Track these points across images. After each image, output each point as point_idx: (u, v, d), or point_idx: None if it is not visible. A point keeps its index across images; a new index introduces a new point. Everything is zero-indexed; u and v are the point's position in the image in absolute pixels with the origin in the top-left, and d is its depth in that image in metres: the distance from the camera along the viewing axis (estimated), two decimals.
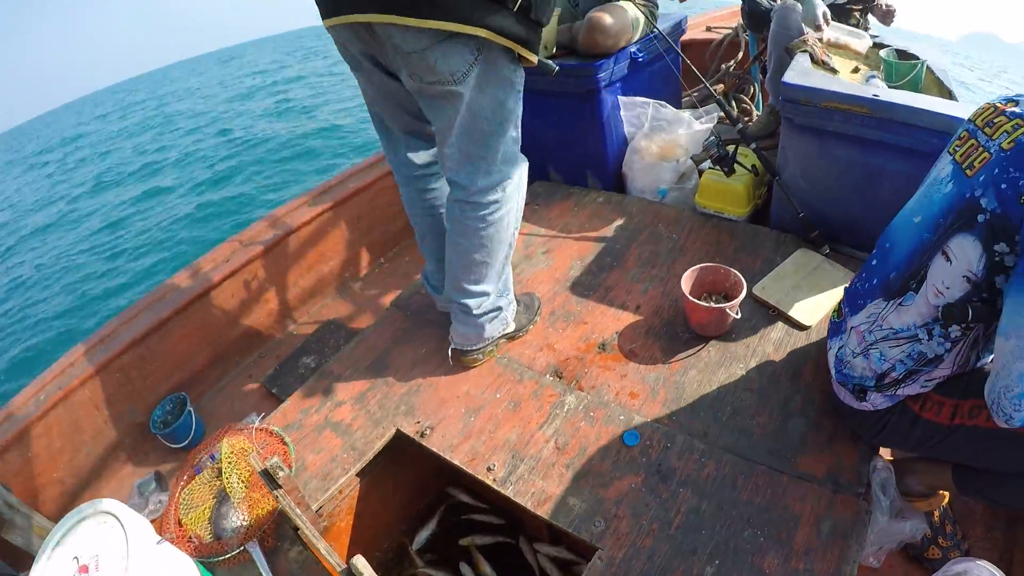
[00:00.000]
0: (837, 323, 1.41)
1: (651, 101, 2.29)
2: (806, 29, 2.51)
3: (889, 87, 2.15)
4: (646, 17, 2.31)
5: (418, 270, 1.99)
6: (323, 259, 2.41)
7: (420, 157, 1.64)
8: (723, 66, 3.54)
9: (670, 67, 2.55)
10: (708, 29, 4.11)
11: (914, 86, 2.16)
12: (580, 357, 1.71)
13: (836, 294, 1.80)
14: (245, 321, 2.25)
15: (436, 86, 1.31)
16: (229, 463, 1.51)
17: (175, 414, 2.00)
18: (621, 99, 2.29)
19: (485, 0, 1.21)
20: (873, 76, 2.18)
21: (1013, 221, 0.98)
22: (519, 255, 2.13)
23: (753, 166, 2.08)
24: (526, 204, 2.38)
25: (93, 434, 1.96)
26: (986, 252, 1.02)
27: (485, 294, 1.63)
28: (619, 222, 2.20)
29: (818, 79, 1.86)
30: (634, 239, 2.09)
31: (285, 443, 1.59)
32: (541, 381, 1.65)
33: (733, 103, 3.40)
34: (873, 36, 2.61)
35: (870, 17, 2.87)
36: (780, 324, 1.74)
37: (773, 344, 1.67)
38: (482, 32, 1.23)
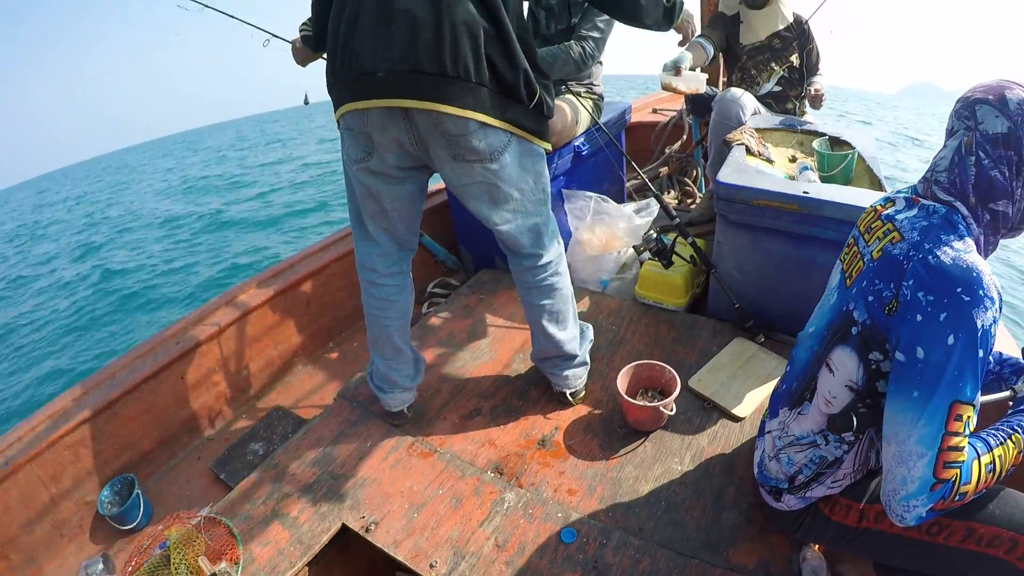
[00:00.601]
0: (762, 423, 1.48)
1: (593, 195, 2.40)
2: (743, 117, 2.68)
3: (822, 177, 2.30)
4: (590, 113, 2.44)
5: (367, 355, 2.04)
6: (273, 343, 2.43)
7: (387, 264, 1.71)
8: (667, 149, 3.69)
9: (615, 155, 2.67)
10: (654, 111, 4.27)
11: (845, 176, 2.31)
12: (520, 453, 1.75)
13: (770, 385, 1.88)
14: (194, 403, 2.24)
15: (477, 165, 1.49)
16: (178, 554, 1.50)
17: (124, 495, 1.97)
18: (564, 192, 2.40)
19: (509, 98, 1.45)
20: (806, 168, 2.32)
21: (881, 331, 1.06)
22: (464, 347, 2.19)
23: (692, 256, 2.19)
24: (471, 293, 2.45)
25: (40, 511, 1.92)
26: (862, 362, 1.10)
27: (574, 336, 1.84)
28: None
29: (751, 177, 1.97)
30: None
31: (233, 534, 1.58)
32: (482, 477, 1.68)
33: (676, 186, 3.55)
34: (810, 123, 2.78)
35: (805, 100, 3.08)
36: (715, 416, 1.81)
37: (708, 437, 1.74)
38: (506, 125, 1.47)
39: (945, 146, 1.12)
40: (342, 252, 2.60)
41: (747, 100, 2.73)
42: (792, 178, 2.29)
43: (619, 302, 2.31)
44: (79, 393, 2.08)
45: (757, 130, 2.55)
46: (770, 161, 2.42)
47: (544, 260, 1.70)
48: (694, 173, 3.57)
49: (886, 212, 1.16)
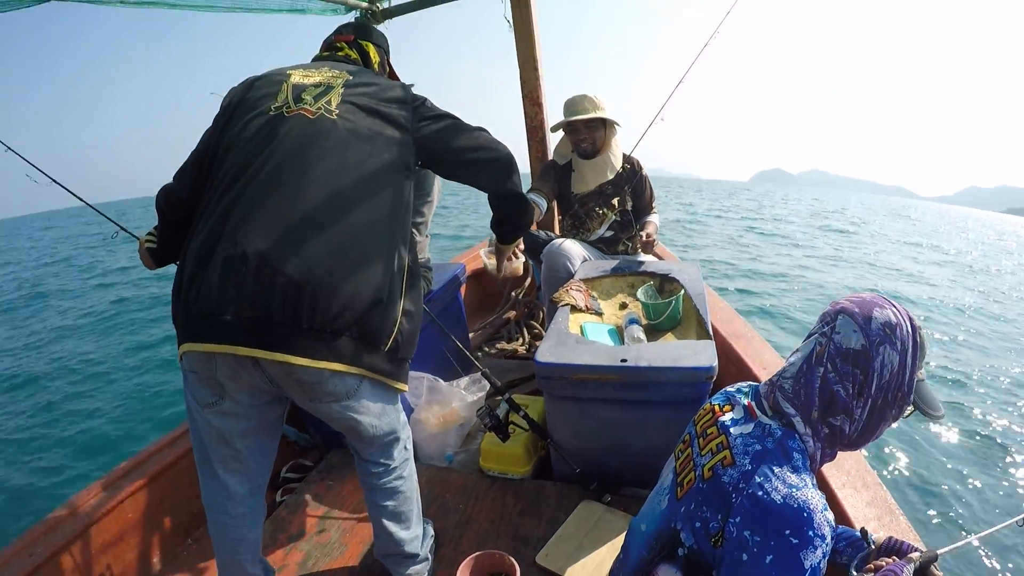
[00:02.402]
0: None
1: (425, 376, 2.41)
2: (572, 267, 2.77)
3: (650, 325, 2.39)
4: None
5: None
6: (130, 547, 2.20)
7: (238, 505, 1.56)
8: (513, 294, 3.77)
9: (454, 317, 2.70)
10: None
11: (672, 320, 2.40)
12: None
13: (617, 546, 1.87)
14: None
15: (334, 404, 1.43)
16: None
17: None
18: None
19: (364, 344, 1.39)
20: (633, 320, 2.39)
21: (708, 560, 1.02)
22: (313, 542, 2.08)
23: (532, 420, 2.19)
24: (321, 479, 2.36)
25: None
26: None
27: (416, 535, 1.78)
28: None
29: (570, 351, 2.00)
30: (424, 514, 2.10)
31: None
32: None
33: (525, 331, 3.60)
34: (641, 261, 2.90)
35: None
36: None
37: None
38: (361, 371, 1.41)
39: (798, 351, 1.11)
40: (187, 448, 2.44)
41: (574, 249, 2.84)
42: (620, 331, 2.37)
43: (465, 477, 2.28)
44: None
45: (586, 280, 2.65)
46: (599, 314, 2.50)
47: (392, 466, 1.67)
48: (541, 316, 3.64)
49: (722, 419, 1.13)
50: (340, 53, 1.78)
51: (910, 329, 1.00)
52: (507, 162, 1.66)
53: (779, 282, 11.02)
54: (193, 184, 1.53)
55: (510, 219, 1.84)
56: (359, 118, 1.49)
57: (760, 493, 0.95)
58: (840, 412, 1.02)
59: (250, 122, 1.46)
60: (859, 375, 0.99)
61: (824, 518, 0.93)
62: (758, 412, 1.10)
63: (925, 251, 19.97)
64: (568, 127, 2.97)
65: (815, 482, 1.00)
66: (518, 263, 2.24)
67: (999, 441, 4.69)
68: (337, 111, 1.48)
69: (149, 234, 1.71)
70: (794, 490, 0.94)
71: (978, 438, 4.74)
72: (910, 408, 1.04)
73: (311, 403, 1.43)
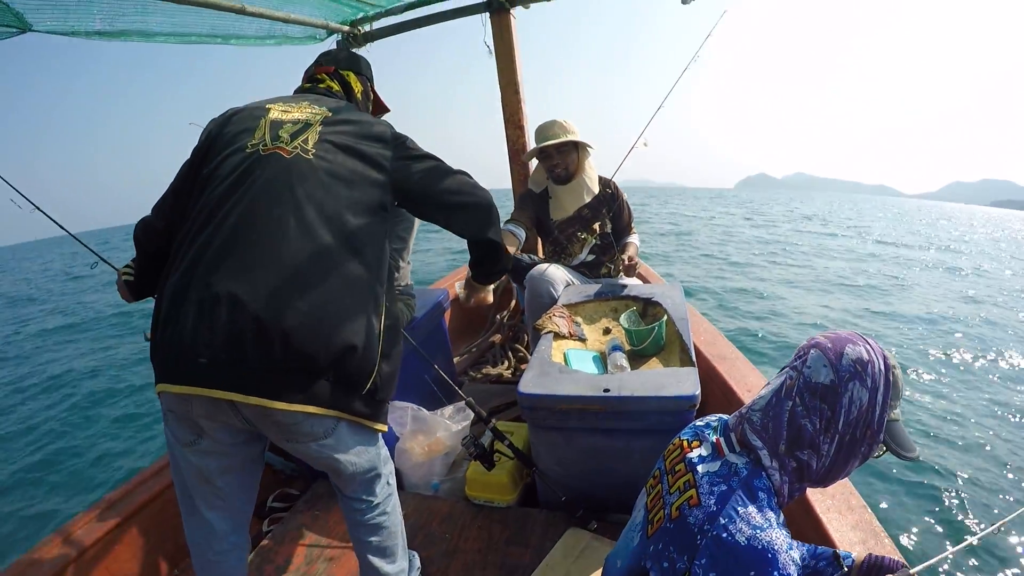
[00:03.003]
0: None
1: (409, 406, 2.41)
2: (555, 292, 2.78)
3: (633, 351, 2.40)
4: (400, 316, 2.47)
5: None
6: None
7: (222, 542, 1.55)
8: (498, 317, 3.78)
9: (437, 345, 2.70)
10: None
11: (656, 346, 2.42)
12: None
13: None
14: None
15: (312, 443, 1.44)
16: None
17: None
18: None
19: (342, 387, 1.40)
20: (616, 347, 2.41)
21: None
22: (300, 573, 2.07)
23: (517, 448, 2.20)
24: (307, 509, 2.35)
25: None
26: None
27: (402, 568, 1.77)
28: None
29: (553, 381, 2.01)
30: (410, 544, 2.10)
31: None
32: None
33: (510, 354, 3.61)
34: (624, 285, 2.92)
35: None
36: None
37: None
38: (337, 413, 1.41)
39: (769, 384, 1.13)
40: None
41: (557, 274, 2.86)
42: (604, 357, 2.39)
43: (451, 505, 2.29)
44: None
45: (569, 306, 2.66)
46: (582, 340, 2.52)
47: (375, 502, 1.67)
48: (526, 339, 3.65)
49: (689, 455, 1.13)
50: (322, 85, 1.78)
51: (883, 367, 1.02)
52: (487, 208, 1.66)
53: (762, 300, 11.11)
54: (170, 216, 1.55)
55: (484, 265, 1.86)
56: (337, 157, 1.49)
57: (724, 535, 0.96)
58: (807, 447, 1.03)
59: (226, 159, 1.47)
60: (826, 410, 1.01)
61: (789, 558, 0.94)
62: (725, 450, 1.11)
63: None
64: (541, 154, 2.99)
65: (782, 520, 1.01)
66: (486, 292, 2.26)
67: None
68: (314, 150, 1.47)
69: (127, 266, 1.71)
70: (758, 531, 0.95)
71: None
72: (882, 448, 1.05)
73: (288, 443, 1.43)
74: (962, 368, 6.81)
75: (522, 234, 2.93)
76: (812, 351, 1.05)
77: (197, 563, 1.56)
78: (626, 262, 2.90)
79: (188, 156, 1.59)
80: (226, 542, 1.54)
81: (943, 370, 6.67)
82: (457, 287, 2.37)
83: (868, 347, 1.03)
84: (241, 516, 1.57)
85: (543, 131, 2.98)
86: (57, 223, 2.33)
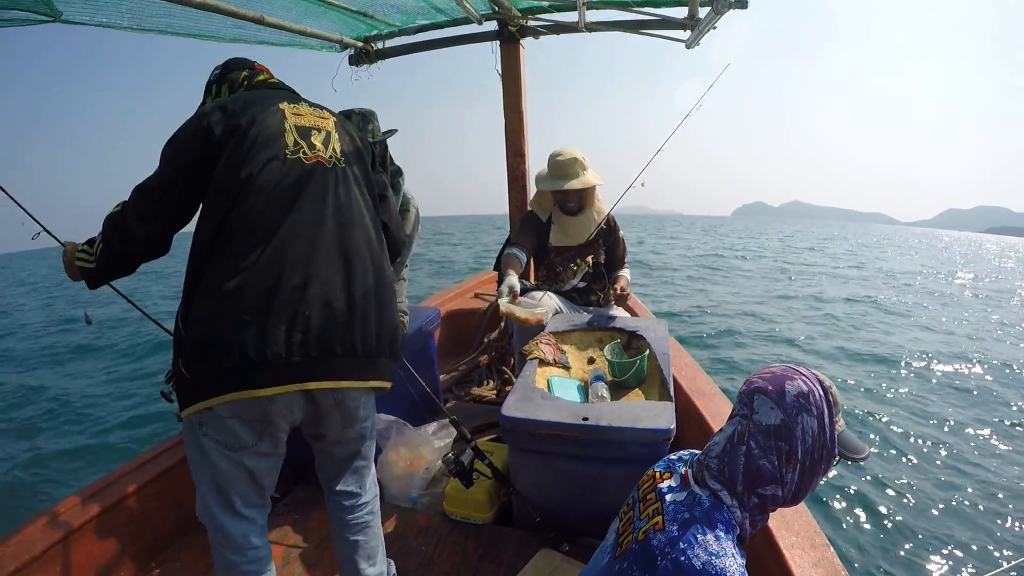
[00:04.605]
0: None
1: (393, 419, 2.48)
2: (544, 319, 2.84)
3: (615, 382, 2.48)
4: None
5: (192, 572, 2.04)
6: (99, 570, 2.21)
7: (262, 533, 1.60)
8: (485, 339, 3.83)
9: (425, 363, 2.76)
10: (476, 295, 4.43)
11: (637, 378, 2.50)
12: None
13: None
14: None
15: (362, 424, 1.65)
16: None
17: None
18: None
19: (393, 360, 1.62)
20: (598, 377, 2.48)
21: None
22: (276, 571, 2.11)
23: (496, 468, 2.27)
24: (287, 512, 2.40)
25: None
26: None
27: (382, 571, 1.84)
28: None
29: (535, 406, 2.08)
30: (387, 554, 2.15)
31: None
32: None
33: (496, 375, 3.67)
34: (611, 316, 2.99)
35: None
36: None
37: None
38: (386, 384, 1.63)
39: (722, 430, 1.17)
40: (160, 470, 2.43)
41: (547, 302, 2.93)
42: (586, 386, 2.46)
43: (428, 518, 2.35)
44: None
45: (556, 333, 2.74)
46: (567, 368, 2.59)
47: (364, 499, 1.76)
48: (511, 361, 3.71)
49: (660, 486, 1.19)
50: (272, 80, 1.75)
51: (821, 392, 1.10)
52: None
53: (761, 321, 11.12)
54: (175, 217, 1.49)
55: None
56: (355, 164, 1.67)
57: (683, 559, 1.01)
58: (770, 483, 1.09)
59: (269, 162, 1.46)
60: (784, 446, 1.07)
61: None
62: (692, 482, 1.17)
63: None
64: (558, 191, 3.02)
65: (737, 550, 1.08)
66: (542, 309, 2.38)
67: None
68: (343, 159, 1.62)
69: (82, 250, 1.56)
70: (714, 557, 1.01)
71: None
72: (836, 458, 1.13)
73: (344, 429, 1.61)
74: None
75: (524, 258, 2.96)
76: (756, 397, 1.11)
77: (231, 567, 1.55)
78: (618, 291, 2.99)
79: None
80: (263, 537, 1.60)
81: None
82: (501, 300, 2.46)
83: (804, 378, 1.10)
84: (267, 513, 1.65)
85: (562, 168, 2.99)
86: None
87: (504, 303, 2.49)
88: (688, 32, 3.21)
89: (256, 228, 1.41)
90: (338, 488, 1.73)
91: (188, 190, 1.47)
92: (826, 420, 1.09)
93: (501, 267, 2.87)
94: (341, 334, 1.44)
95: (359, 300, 1.49)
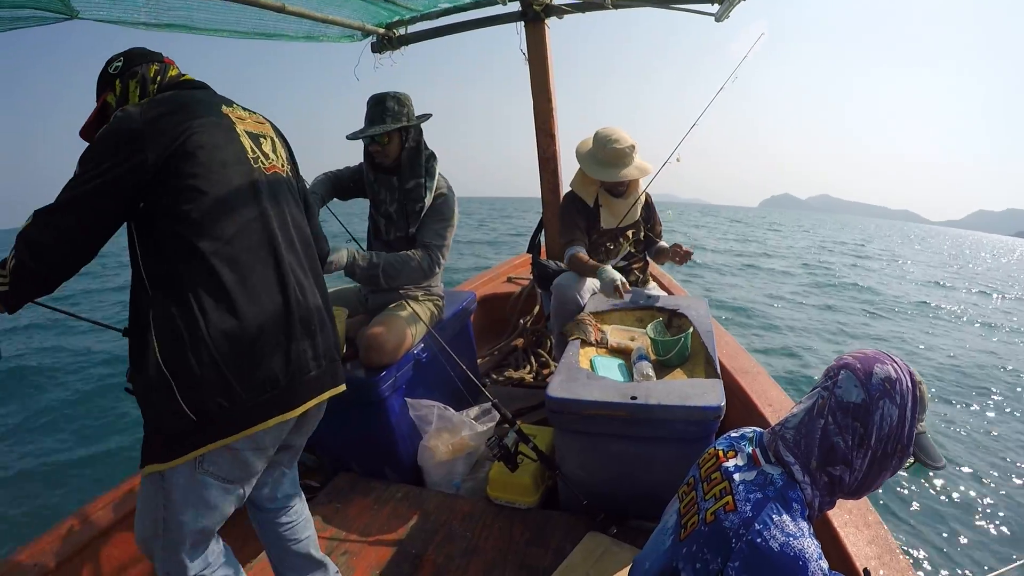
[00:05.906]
0: None
1: (436, 404, 2.44)
2: (581, 300, 2.79)
3: (659, 361, 2.41)
4: (425, 321, 2.47)
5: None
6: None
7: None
8: (521, 321, 3.79)
9: (464, 346, 2.72)
10: (509, 280, 4.40)
11: (681, 357, 2.43)
12: None
13: None
14: None
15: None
16: None
17: None
18: (409, 401, 2.42)
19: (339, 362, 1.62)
20: (642, 356, 2.41)
21: None
22: None
23: (541, 451, 2.22)
24: (329, 502, 2.38)
25: None
26: None
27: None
28: (417, 522, 2.24)
29: (580, 386, 2.03)
30: (431, 541, 2.13)
31: None
32: None
33: (532, 358, 3.63)
34: (650, 295, 2.92)
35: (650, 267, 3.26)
36: None
37: None
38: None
39: (801, 402, 1.16)
40: None
41: (583, 283, 2.87)
42: (629, 366, 2.40)
43: (472, 504, 2.31)
44: None
45: (595, 314, 2.68)
46: (608, 348, 2.53)
47: (297, 501, 1.78)
48: (548, 344, 3.67)
49: (726, 464, 1.16)
50: (192, 79, 1.52)
51: (910, 384, 1.05)
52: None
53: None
54: (108, 235, 1.29)
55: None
56: (294, 172, 1.67)
57: (759, 540, 0.98)
58: (840, 463, 1.06)
59: (234, 175, 1.36)
60: (859, 428, 1.04)
61: (818, 567, 0.96)
62: (761, 460, 1.14)
63: None
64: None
65: (812, 531, 1.04)
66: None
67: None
68: (287, 169, 1.60)
69: None
70: (791, 539, 0.98)
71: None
72: (911, 459, 1.09)
73: (307, 434, 1.66)
74: None
75: (584, 253, 2.95)
76: (842, 372, 1.08)
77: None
78: (683, 251, 2.96)
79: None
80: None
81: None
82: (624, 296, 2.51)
83: (895, 366, 1.06)
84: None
85: (619, 157, 2.93)
86: None
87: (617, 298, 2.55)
88: (717, 6, 3.13)
89: (248, 245, 1.33)
90: (285, 492, 1.70)
91: (116, 205, 1.26)
92: (908, 413, 1.04)
93: (580, 265, 2.90)
94: (327, 343, 1.50)
95: (324, 309, 1.54)
